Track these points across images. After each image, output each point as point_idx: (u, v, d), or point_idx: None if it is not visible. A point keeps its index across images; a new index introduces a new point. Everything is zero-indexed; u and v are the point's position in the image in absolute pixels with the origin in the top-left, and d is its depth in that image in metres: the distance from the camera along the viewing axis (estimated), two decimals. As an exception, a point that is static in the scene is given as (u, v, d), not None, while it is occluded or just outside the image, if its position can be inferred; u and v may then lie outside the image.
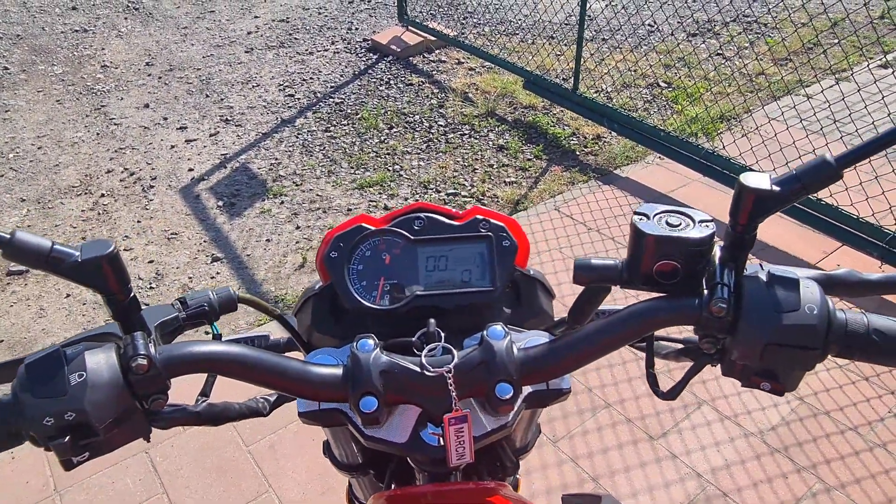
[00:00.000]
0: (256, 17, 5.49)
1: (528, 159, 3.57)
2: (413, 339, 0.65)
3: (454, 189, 3.33)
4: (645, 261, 0.60)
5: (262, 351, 0.60)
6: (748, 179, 0.56)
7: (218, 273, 2.83)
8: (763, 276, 0.58)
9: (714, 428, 2.06)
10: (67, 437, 0.51)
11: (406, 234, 0.72)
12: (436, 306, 0.70)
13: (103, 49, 4.92)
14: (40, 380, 0.52)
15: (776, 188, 0.55)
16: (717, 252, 0.61)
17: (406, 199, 3.26)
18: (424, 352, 0.61)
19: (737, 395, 2.17)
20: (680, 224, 0.60)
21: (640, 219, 0.61)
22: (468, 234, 0.72)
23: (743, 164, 2.99)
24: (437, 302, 0.70)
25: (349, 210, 3.20)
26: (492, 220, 0.73)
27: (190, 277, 2.81)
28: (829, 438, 2.02)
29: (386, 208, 3.20)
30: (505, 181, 3.39)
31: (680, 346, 0.71)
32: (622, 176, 3.40)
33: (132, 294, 0.59)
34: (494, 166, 3.51)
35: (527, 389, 0.65)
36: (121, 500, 1.89)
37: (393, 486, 0.79)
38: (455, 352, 0.61)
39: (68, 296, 2.70)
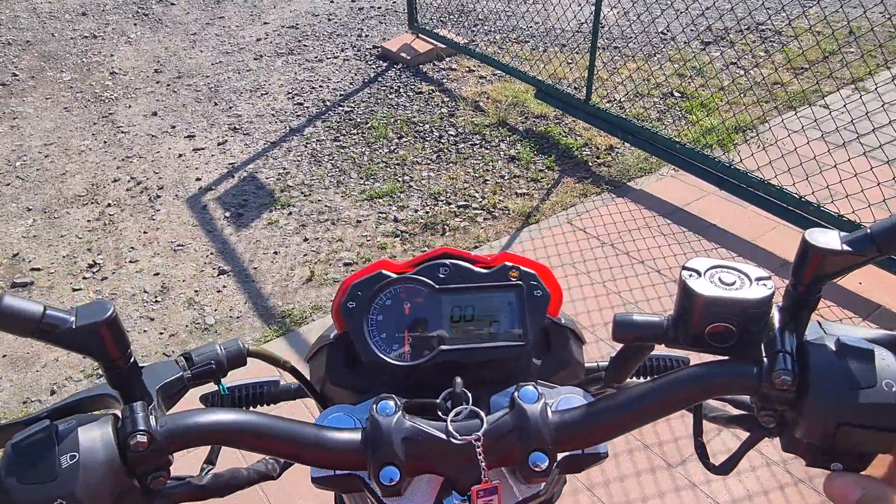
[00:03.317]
0: (266, 23, 5.46)
1: (540, 170, 3.50)
2: (437, 400, 0.60)
3: (465, 201, 3.27)
4: (695, 321, 0.55)
5: (273, 417, 0.55)
6: (815, 237, 0.51)
7: (224, 287, 2.78)
8: (832, 345, 0.52)
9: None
10: None
11: (430, 282, 0.67)
12: (461, 361, 0.65)
13: (112, 55, 4.89)
14: (28, 462, 0.47)
15: (847, 248, 0.50)
16: (775, 313, 0.55)
17: (416, 211, 3.21)
18: (450, 416, 0.56)
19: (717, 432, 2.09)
20: (734, 282, 0.55)
21: (690, 275, 0.56)
22: (497, 282, 0.67)
23: (761, 178, 2.92)
24: (463, 357, 0.65)
25: (358, 222, 3.14)
26: (522, 268, 0.68)
27: (196, 291, 2.76)
28: (854, 468, 1.94)
29: (396, 220, 3.15)
30: (516, 193, 3.33)
31: (732, 411, 0.65)
32: (636, 188, 3.33)
33: (132, 359, 0.54)
34: (506, 177, 3.45)
35: (560, 454, 0.60)
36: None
37: None
38: (484, 416, 0.56)
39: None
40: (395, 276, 0.67)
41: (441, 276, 0.68)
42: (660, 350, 0.84)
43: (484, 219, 3.16)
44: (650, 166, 3.49)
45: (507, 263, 0.68)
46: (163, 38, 5.20)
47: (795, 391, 0.52)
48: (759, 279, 0.55)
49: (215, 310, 2.66)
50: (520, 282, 0.67)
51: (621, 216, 3.12)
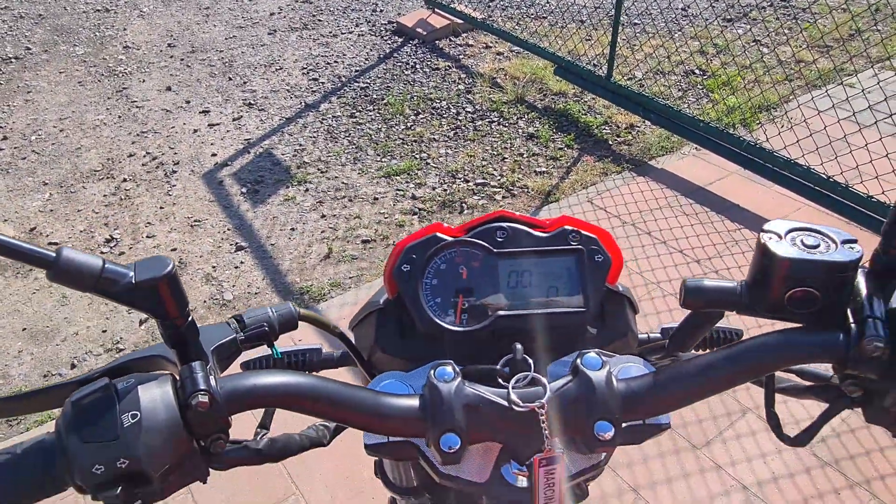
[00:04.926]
0: (279, -3, 5.38)
1: (560, 148, 3.45)
2: (497, 366, 0.58)
3: (483, 179, 3.23)
4: (775, 286, 0.53)
5: (331, 381, 0.53)
6: None
7: (242, 262, 2.76)
8: None
9: (760, 438, 1.96)
10: (119, 489, 0.45)
11: (487, 245, 0.64)
12: (519, 328, 0.62)
13: (125, 29, 4.85)
14: (88, 420, 0.46)
15: None
16: (861, 278, 0.53)
17: (434, 189, 3.17)
18: (512, 382, 0.54)
19: (783, 402, 2.06)
20: (818, 245, 0.52)
21: (770, 237, 0.53)
22: (556, 246, 0.64)
23: (787, 158, 2.86)
24: (522, 323, 0.62)
25: (375, 199, 3.11)
26: (583, 232, 0.65)
27: (214, 266, 2.75)
28: (882, 452, 1.91)
29: (413, 198, 3.11)
30: (535, 171, 3.29)
31: (806, 379, 0.63)
32: (657, 167, 3.28)
33: (190, 318, 0.52)
34: (524, 155, 3.40)
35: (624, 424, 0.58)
36: (145, 499, 1.84)
37: None
38: (547, 383, 0.54)
39: (91, 284, 2.65)
40: (450, 239, 0.65)
41: (498, 239, 0.65)
42: None
43: (503, 197, 3.12)
44: (672, 145, 3.42)
45: (567, 227, 0.65)
46: (175, 11, 5.14)
47: (888, 358, 0.49)
48: (845, 242, 0.53)
49: (233, 285, 2.65)
50: (580, 246, 0.64)
51: (643, 195, 3.07)
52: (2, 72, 4.26)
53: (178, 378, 0.50)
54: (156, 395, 0.47)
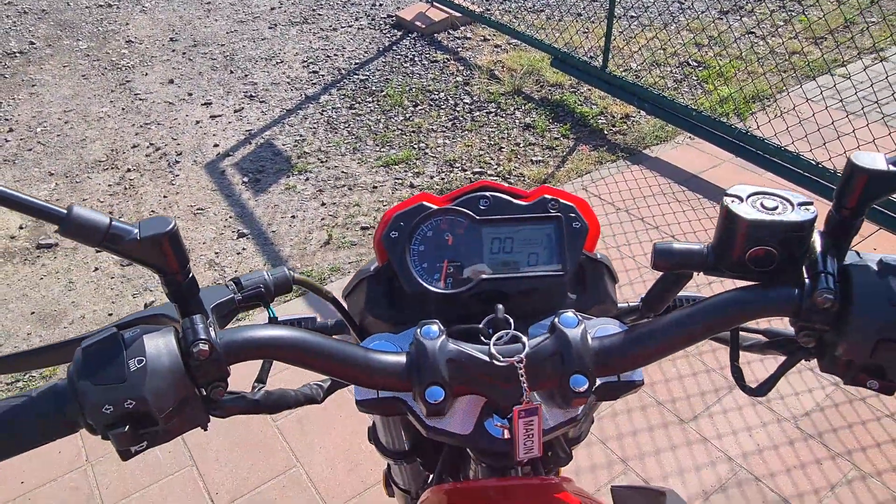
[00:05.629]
0: (279, -8, 5.44)
1: (556, 138, 3.51)
2: (480, 325, 0.62)
3: (480, 168, 3.29)
4: (737, 246, 0.56)
5: (324, 336, 0.57)
6: (860, 159, 0.52)
7: (244, 249, 2.83)
8: (874, 265, 0.53)
9: (746, 412, 2.02)
10: (127, 427, 0.49)
11: (471, 213, 0.68)
12: (501, 290, 0.66)
13: (127, 24, 4.91)
14: (98, 365, 0.49)
15: (894, 168, 0.51)
16: (816, 238, 0.56)
17: (432, 178, 3.23)
18: (493, 339, 0.58)
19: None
20: (777, 207, 0.56)
21: (733, 201, 0.57)
22: (536, 214, 0.68)
23: (778, 145, 2.91)
24: (503, 286, 0.66)
25: (374, 188, 3.17)
26: (561, 200, 0.68)
27: (216, 253, 2.81)
28: (864, 425, 1.98)
29: (412, 186, 3.17)
30: (532, 160, 3.35)
31: (768, 338, 0.67)
32: (651, 156, 3.33)
33: (191, 274, 0.55)
34: (521, 145, 3.46)
35: (599, 379, 0.61)
36: (151, 472, 1.91)
37: (443, 475, 0.76)
38: (526, 340, 0.57)
39: (96, 269, 2.72)
40: (436, 207, 0.68)
41: (482, 207, 0.68)
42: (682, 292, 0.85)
43: (499, 185, 3.18)
44: (666, 134, 3.48)
45: (547, 196, 0.69)
46: (177, 6, 5.20)
47: (837, 310, 0.53)
48: (801, 204, 0.56)
49: (236, 271, 2.71)
50: (559, 214, 0.67)
51: (636, 183, 3.13)
52: (6, 66, 4.33)
53: (179, 330, 0.54)
54: (160, 344, 0.51)
